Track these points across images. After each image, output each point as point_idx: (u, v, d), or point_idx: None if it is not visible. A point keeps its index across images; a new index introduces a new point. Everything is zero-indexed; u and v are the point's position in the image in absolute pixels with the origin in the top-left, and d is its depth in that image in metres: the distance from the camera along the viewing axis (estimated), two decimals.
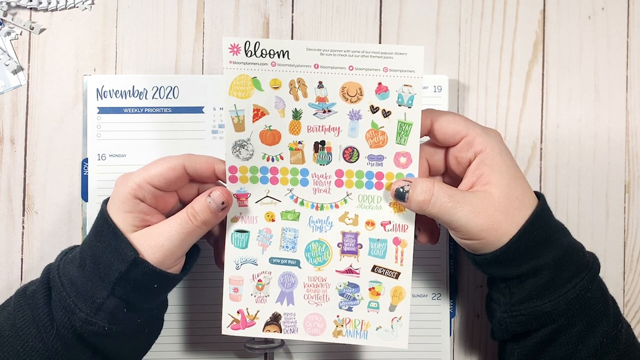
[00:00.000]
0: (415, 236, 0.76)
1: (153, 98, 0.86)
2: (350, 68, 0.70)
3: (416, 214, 0.74)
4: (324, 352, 0.88)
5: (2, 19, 0.87)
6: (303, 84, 0.71)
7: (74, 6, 0.87)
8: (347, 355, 0.88)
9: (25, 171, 0.87)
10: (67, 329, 0.70)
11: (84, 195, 0.86)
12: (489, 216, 0.69)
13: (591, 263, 0.73)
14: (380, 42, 0.89)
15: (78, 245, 0.77)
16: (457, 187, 0.72)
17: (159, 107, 0.86)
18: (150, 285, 0.71)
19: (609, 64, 0.89)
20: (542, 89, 0.89)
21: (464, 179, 0.73)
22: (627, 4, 0.89)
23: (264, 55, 0.70)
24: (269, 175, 0.74)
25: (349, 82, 0.71)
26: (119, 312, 0.71)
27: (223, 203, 0.71)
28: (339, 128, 0.72)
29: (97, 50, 0.88)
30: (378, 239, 0.74)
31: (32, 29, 0.87)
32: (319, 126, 0.72)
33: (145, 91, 0.86)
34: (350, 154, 0.73)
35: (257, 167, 0.73)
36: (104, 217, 0.72)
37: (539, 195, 0.73)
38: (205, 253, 0.81)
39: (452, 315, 0.89)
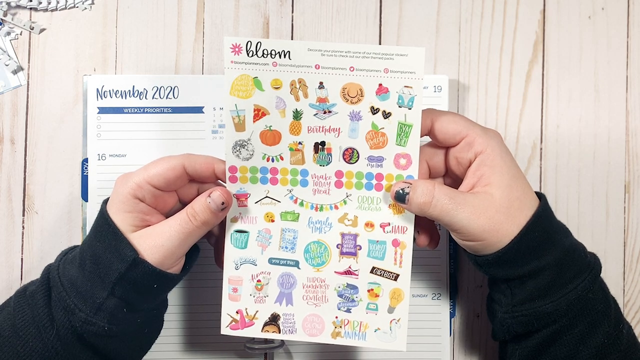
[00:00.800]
0: (414, 239, 0.76)
1: (153, 98, 0.86)
2: (351, 69, 0.70)
3: (415, 216, 0.74)
4: (324, 352, 0.88)
5: (2, 19, 0.87)
6: (304, 85, 0.71)
7: (74, 6, 0.87)
8: (347, 355, 0.88)
9: (25, 171, 0.87)
10: (67, 329, 0.70)
11: (84, 195, 0.86)
12: (490, 217, 0.69)
13: (592, 264, 0.73)
14: (380, 42, 0.89)
15: (78, 246, 0.77)
16: (457, 188, 0.72)
17: (159, 107, 0.86)
18: (150, 285, 0.71)
19: (609, 64, 0.89)
20: (542, 89, 0.89)
21: (464, 180, 0.73)
22: (627, 4, 0.89)
23: (265, 56, 0.70)
24: (269, 176, 0.74)
25: (349, 83, 0.71)
26: (118, 312, 0.71)
27: (223, 203, 0.71)
28: (339, 129, 0.72)
29: (97, 50, 0.88)
30: (377, 241, 0.74)
31: (32, 29, 0.87)
32: (319, 127, 0.72)
33: (145, 91, 0.86)
34: (350, 155, 0.73)
35: (257, 168, 0.73)
36: (103, 217, 0.72)
37: (540, 196, 0.73)
38: (205, 253, 0.81)
39: (452, 315, 0.89)
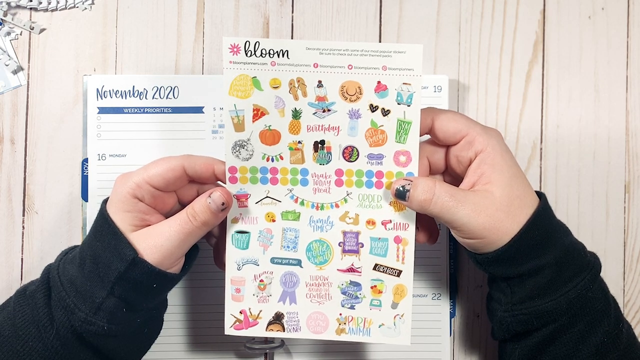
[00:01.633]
0: None
1: (153, 98, 0.86)
2: (350, 67, 0.70)
3: (416, 213, 0.74)
4: (324, 352, 0.88)
5: (2, 19, 0.87)
6: (302, 84, 0.71)
7: (74, 6, 0.87)
8: (347, 354, 0.88)
9: (25, 171, 0.87)
10: (66, 329, 0.70)
11: (84, 195, 0.86)
12: (490, 215, 0.69)
13: (592, 263, 0.73)
14: (380, 42, 0.89)
15: (78, 246, 0.77)
16: (457, 186, 0.72)
17: (159, 107, 0.86)
18: (150, 285, 0.71)
19: (609, 64, 0.89)
20: (542, 89, 0.89)
21: (465, 178, 0.73)
22: (627, 4, 0.89)
23: (263, 55, 0.70)
24: (269, 176, 0.74)
25: (348, 81, 0.71)
26: (118, 311, 0.71)
27: (223, 204, 0.71)
28: (338, 127, 0.72)
29: (97, 50, 0.88)
30: (379, 238, 0.74)
31: (32, 29, 0.87)
32: (319, 125, 0.72)
33: (145, 91, 0.86)
34: (350, 153, 0.73)
35: (256, 168, 0.73)
36: (103, 217, 0.72)
37: (540, 195, 0.73)
38: (206, 253, 0.81)
39: (452, 315, 0.89)
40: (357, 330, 0.76)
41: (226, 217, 0.75)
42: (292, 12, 0.89)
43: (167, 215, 0.75)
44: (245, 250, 0.76)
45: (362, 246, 0.75)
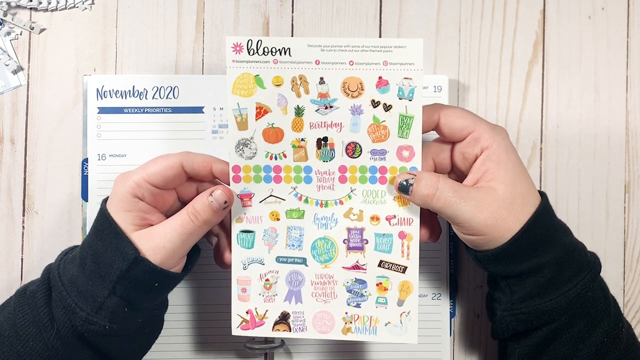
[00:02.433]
0: None
1: (153, 98, 0.86)
2: (351, 63, 0.71)
3: (420, 208, 0.74)
4: (325, 352, 0.88)
5: (2, 19, 0.87)
6: (305, 81, 0.71)
7: (74, 6, 0.87)
8: (348, 355, 0.88)
9: (25, 171, 0.87)
10: (67, 329, 0.70)
11: (84, 195, 0.86)
12: (492, 212, 0.69)
13: (592, 262, 0.73)
14: None
15: (78, 245, 0.77)
16: (462, 184, 0.72)
17: (159, 107, 0.86)
18: (151, 284, 0.71)
19: (609, 64, 0.89)
20: (542, 89, 0.89)
21: (469, 175, 0.73)
22: (627, 4, 0.89)
23: (265, 53, 0.70)
24: (272, 174, 0.74)
25: (349, 77, 0.71)
26: (119, 311, 0.71)
27: (225, 202, 0.72)
28: (341, 124, 0.72)
29: (97, 50, 0.88)
30: (383, 234, 0.74)
31: (32, 29, 0.87)
32: (321, 122, 0.72)
33: (145, 91, 0.86)
34: (353, 150, 0.73)
35: (260, 166, 0.74)
36: (104, 216, 0.72)
37: (542, 194, 0.73)
38: (207, 253, 0.81)
39: (452, 315, 0.89)
40: (363, 329, 0.76)
41: (228, 216, 0.75)
42: (292, 12, 0.89)
43: (168, 213, 0.75)
44: (250, 249, 0.76)
45: (367, 243, 0.75)
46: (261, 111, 0.72)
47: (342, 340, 0.76)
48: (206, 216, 0.71)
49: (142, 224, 0.72)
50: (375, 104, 0.72)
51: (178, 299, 0.87)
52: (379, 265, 0.75)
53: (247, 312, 0.76)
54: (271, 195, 0.75)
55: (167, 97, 0.86)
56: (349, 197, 0.74)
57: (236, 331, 0.76)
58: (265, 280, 0.76)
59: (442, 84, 0.87)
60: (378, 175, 0.74)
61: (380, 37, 0.89)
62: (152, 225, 0.73)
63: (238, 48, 0.71)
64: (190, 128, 0.86)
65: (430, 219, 0.76)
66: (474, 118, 0.73)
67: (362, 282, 0.75)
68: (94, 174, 0.86)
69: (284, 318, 0.76)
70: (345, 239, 0.75)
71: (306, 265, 0.75)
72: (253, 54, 0.71)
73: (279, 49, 0.70)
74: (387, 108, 0.72)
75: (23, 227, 0.87)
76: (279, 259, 0.76)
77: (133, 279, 0.70)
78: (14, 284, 0.87)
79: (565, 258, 0.71)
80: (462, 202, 0.69)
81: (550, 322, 0.71)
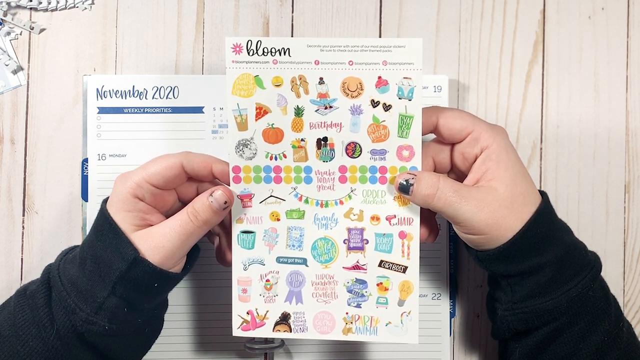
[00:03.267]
0: None
1: (153, 98, 0.86)
2: (350, 63, 0.71)
3: (421, 207, 0.74)
4: (325, 352, 0.88)
5: (2, 19, 0.87)
6: (304, 81, 0.71)
7: (74, 6, 0.87)
8: (348, 354, 0.88)
9: (25, 171, 0.87)
10: (67, 329, 0.70)
11: (84, 195, 0.86)
12: (493, 211, 0.69)
13: (593, 262, 0.73)
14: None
15: (78, 245, 0.77)
16: (462, 183, 0.72)
17: (159, 107, 0.86)
18: (151, 285, 0.71)
19: (609, 64, 0.89)
20: (542, 89, 0.89)
21: (469, 175, 0.73)
22: (627, 4, 0.89)
23: (265, 54, 0.70)
24: (272, 175, 0.74)
25: (349, 77, 0.71)
26: (119, 311, 0.71)
27: (226, 202, 0.72)
28: (340, 124, 0.72)
29: (97, 50, 0.88)
30: (384, 234, 0.74)
31: (32, 29, 0.87)
32: (321, 122, 0.72)
33: (145, 91, 0.86)
34: (353, 150, 0.73)
35: (260, 167, 0.74)
36: (104, 217, 0.72)
37: (542, 193, 0.73)
38: (207, 253, 0.81)
39: (452, 315, 0.89)
40: (364, 330, 0.76)
41: (228, 216, 0.75)
42: (292, 12, 0.89)
43: (168, 213, 0.75)
44: (251, 250, 0.76)
45: (367, 243, 0.75)
46: (261, 111, 0.72)
47: (342, 340, 0.76)
48: (206, 216, 0.71)
49: (142, 224, 0.72)
50: (374, 103, 0.72)
51: (178, 299, 0.87)
52: (380, 265, 0.75)
53: (247, 313, 0.76)
54: (271, 196, 0.75)
55: (167, 97, 0.86)
56: (349, 197, 0.74)
57: (237, 332, 0.76)
58: (266, 280, 0.76)
59: (442, 84, 0.87)
60: (378, 175, 0.74)
61: (380, 37, 0.89)
62: (152, 225, 0.73)
63: (238, 48, 0.71)
64: (190, 128, 0.86)
65: (427, 218, 0.76)
66: (473, 118, 0.73)
67: (363, 282, 0.75)
68: (94, 174, 0.86)
69: (284, 319, 0.76)
70: (345, 239, 0.75)
71: (306, 266, 0.75)
72: (253, 54, 0.71)
73: (279, 49, 0.71)
74: (387, 108, 0.72)
75: (23, 227, 0.87)
76: (279, 260, 0.76)
77: (133, 279, 0.70)
78: (14, 284, 0.87)
79: (566, 257, 0.71)
80: (462, 201, 0.69)
81: (551, 322, 0.71)
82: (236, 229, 0.75)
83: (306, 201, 0.75)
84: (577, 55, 0.89)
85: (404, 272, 0.75)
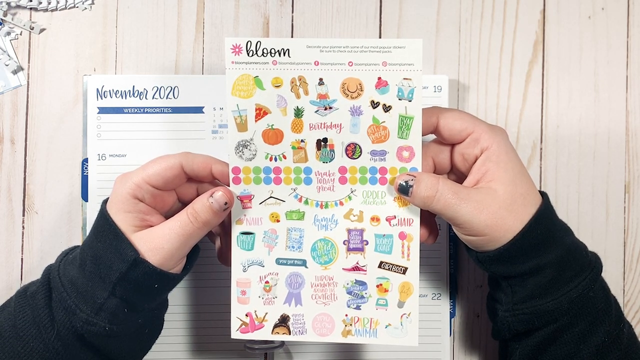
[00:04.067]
0: None
1: (153, 98, 0.86)
2: (350, 64, 0.71)
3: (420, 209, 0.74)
4: (325, 352, 0.88)
5: (2, 19, 0.87)
6: (304, 82, 0.71)
7: (74, 6, 0.87)
8: (347, 355, 0.88)
9: (25, 171, 0.87)
10: (67, 330, 0.70)
11: (84, 195, 0.86)
12: (493, 212, 0.69)
13: (594, 262, 0.73)
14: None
15: (78, 246, 0.77)
16: (462, 185, 0.72)
17: (159, 107, 0.86)
18: (151, 285, 0.71)
19: (609, 64, 0.89)
20: (542, 89, 0.89)
21: (469, 176, 0.73)
22: (627, 4, 0.89)
23: (265, 55, 0.70)
24: (272, 176, 0.74)
25: (349, 78, 0.71)
26: (119, 312, 0.71)
27: (226, 203, 0.71)
28: (340, 124, 0.72)
29: (97, 50, 0.88)
30: (384, 235, 0.74)
31: (32, 29, 0.87)
32: (321, 123, 0.72)
33: (145, 91, 0.86)
34: (353, 151, 0.73)
35: (260, 168, 0.73)
36: (104, 217, 0.72)
37: (543, 194, 0.73)
38: (207, 254, 0.82)
39: (452, 315, 0.89)
40: (363, 332, 0.75)
41: (228, 217, 0.75)
42: (292, 12, 0.89)
43: (168, 214, 0.75)
44: (250, 251, 0.75)
45: (367, 244, 0.75)
46: (261, 112, 0.72)
47: (342, 343, 0.76)
48: (206, 217, 0.71)
49: (142, 225, 0.72)
50: (374, 104, 0.72)
51: (178, 300, 0.87)
52: (379, 267, 0.75)
53: (246, 315, 0.76)
54: (271, 197, 0.75)
55: (167, 97, 0.86)
56: (349, 198, 0.74)
57: (235, 334, 0.76)
58: (265, 282, 0.76)
59: (442, 84, 0.87)
60: (378, 176, 0.74)
61: (380, 37, 0.89)
62: (152, 226, 0.73)
63: (237, 49, 0.71)
64: (190, 128, 0.86)
65: (428, 220, 0.76)
66: (473, 119, 0.72)
67: (362, 283, 0.75)
68: (94, 174, 0.86)
69: (283, 321, 0.76)
70: (345, 240, 0.75)
71: (306, 267, 0.75)
72: (252, 55, 0.71)
73: (278, 50, 0.71)
74: (387, 109, 0.72)
75: (23, 227, 0.87)
76: (278, 261, 0.75)
77: (133, 281, 0.70)
78: (14, 284, 0.87)
79: (566, 258, 0.71)
80: (462, 203, 0.69)
81: (552, 323, 0.71)
82: (236, 230, 0.75)
83: (306, 202, 0.75)
84: (577, 55, 0.89)
85: (404, 274, 0.75)
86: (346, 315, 0.75)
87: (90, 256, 0.71)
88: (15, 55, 0.87)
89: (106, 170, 0.86)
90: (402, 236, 0.74)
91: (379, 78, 0.71)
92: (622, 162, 0.89)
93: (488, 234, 0.70)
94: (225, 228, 0.77)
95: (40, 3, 0.86)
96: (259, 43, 0.71)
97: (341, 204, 0.74)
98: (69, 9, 0.88)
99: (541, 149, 0.89)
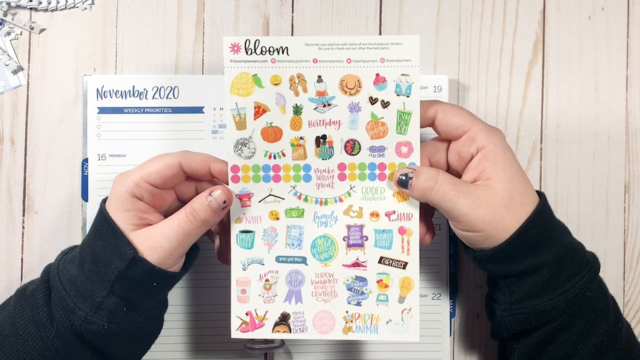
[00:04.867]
0: None
1: (153, 98, 0.86)
2: (348, 61, 0.71)
3: (419, 204, 0.74)
4: (325, 352, 0.88)
5: (2, 19, 0.87)
6: (303, 79, 0.71)
7: (74, 6, 0.88)
8: (348, 354, 0.88)
9: (25, 171, 0.87)
10: (66, 328, 0.70)
11: (84, 195, 0.86)
12: (491, 208, 0.69)
13: (591, 262, 0.73)
14: None
15: (78, 245, 0.77)
16: (461, 179, 0.72)
17: (159, 107, 0.86)
18: (150, 284, 0.71)
19: (609, 64, 0.89)
20: (542, 89, 0.89)
21: (465, 174, 0.73)
22: (627, 4, 0.89)
23: (263, 53, 0.71)
24: (271, 174, 0.74)
25: (347, 75, 0.71)
26: (118, 311, 0.71)
27: (225, 202, 0.71)
28: (339, 121, 0.72)
29: (97, 50, 0.88)
30: (383, 230, 0.74)
31: (32, 29, 0.87)
32: (320, 120, 0.72)
33: (145, 91, 0.86)
34: (352, 147, 0.73)
35: (259, 166, 0.74)
36: (103, 216, 0.72)
37: (540, 194, 0.73)
38: (206, 254, 0.82)
39: (452, 315, 0.89)
40: (364, 328, 0.75)
41: (230, 217, 0.75)
42: (292, 12, 0.89)
43: (167, 212, 0.75)
44: (250, 249, 0.75)
45: (367, 239, 0.75)
46: (259, 110, 0.72)
47: (343, 340, 0.76)
48: (205, 216, 0.71)
49: (140, 223, 0.72)
50: (373, 100, 0.72)
51: (177, 299, 0.87)
52: (380, 262, 0.75)
53: (246, 314, 0.76)
54: (270, 195, 0.75)
55: (167, 97, 0.86)
56: (349, 194, 0.74)
57: (235, 334, 0.76)
58: (265, 280, 0.76)
59: (442, 84, 0.87)
60: (377, 171, 0.74)
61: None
62: (151, 224, 0.73)
63: (236, 48, 0.71)
64: (190, 128, 0.86)
65: (425, 219, 0.76)
66: (471, 117, 0.73)
67: (363, 279, 0.75)
68: (94, 174, 0.86)
69: (284, 319, 0.76)
70: (345, 236, 0.75)
71: (306, 265, 0.75)
72: (251, 53, 0.71)
73: (277, 48, 0.71)
74: (385, 105, 0.72)
75: (23, 227, 0.87)
76: (278, 259, 0.75)
77: (131, 279, 0.70)
78: (14, 284, 0.87)
79: (563, 258, 0.71)
80: (461, 195, 0.69)
81: (550, 322, 0.71)
82: (235, 228, 0.75)
83: (305, 199, 0.75)
84: (577, 55, 0.89)
85: (404, 268, 0.75)
86: (347, 311, 0.75)
87: (89, 255, 0.71)
88: (15, 55, 0.87)
89: (106, 170, 0.86)
90: (402, 231, 0.74)
91: (377, 74, 0.71)
92: (622, 162, 0.89)
93: (485, 230, 0.70)
94: (224, 227, 0.77)
95: (40, 3, 0.87)
96: (257, 41, 0.71)
97: (340, 200, 0.75)
98: (69, 9, 0.88)
99: (541, 149, 0.89)
